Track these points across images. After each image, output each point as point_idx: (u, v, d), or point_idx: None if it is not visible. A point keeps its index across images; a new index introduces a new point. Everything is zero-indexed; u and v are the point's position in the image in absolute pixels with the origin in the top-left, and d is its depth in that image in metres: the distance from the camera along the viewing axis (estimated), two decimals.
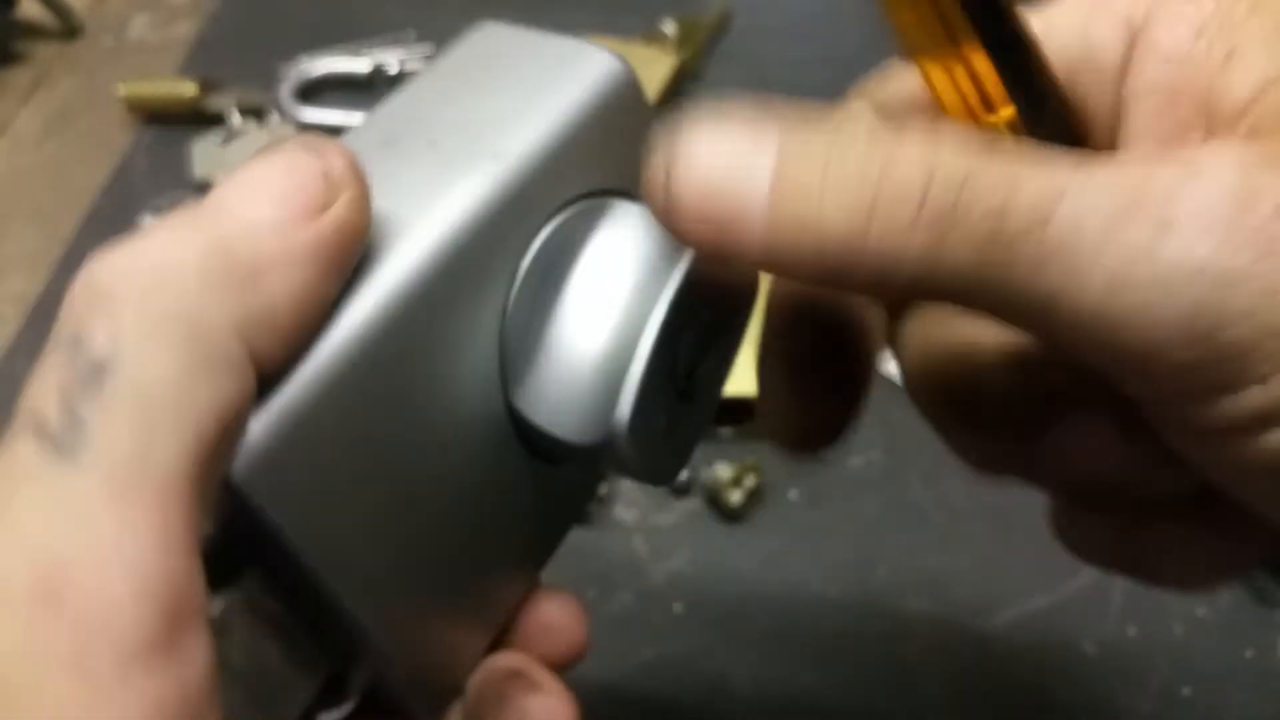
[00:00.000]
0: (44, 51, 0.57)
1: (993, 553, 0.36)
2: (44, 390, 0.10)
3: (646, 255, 0.14)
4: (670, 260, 0.14)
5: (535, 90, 0.16)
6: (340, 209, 0.12)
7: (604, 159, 0.16)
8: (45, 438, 0.10)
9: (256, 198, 0.12)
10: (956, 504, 0.38)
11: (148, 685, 0.10)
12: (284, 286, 0.11)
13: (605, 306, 0.14)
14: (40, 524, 0.10)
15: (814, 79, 0.57)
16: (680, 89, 0.53)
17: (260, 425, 0.12)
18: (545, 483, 0.16)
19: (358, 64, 0.54)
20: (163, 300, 0.11)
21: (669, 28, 0.56)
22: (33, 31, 0.58)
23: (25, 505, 0.10)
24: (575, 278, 0.14)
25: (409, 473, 0.13)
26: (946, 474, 0.38)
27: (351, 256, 0.13)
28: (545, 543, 0.17)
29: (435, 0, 0.60)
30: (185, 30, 0.59)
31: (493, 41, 0.18)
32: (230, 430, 0.11)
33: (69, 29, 0.58)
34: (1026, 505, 0.38)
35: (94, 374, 0.10)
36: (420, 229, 0.13)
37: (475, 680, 0.17)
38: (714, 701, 0.32)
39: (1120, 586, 0.36)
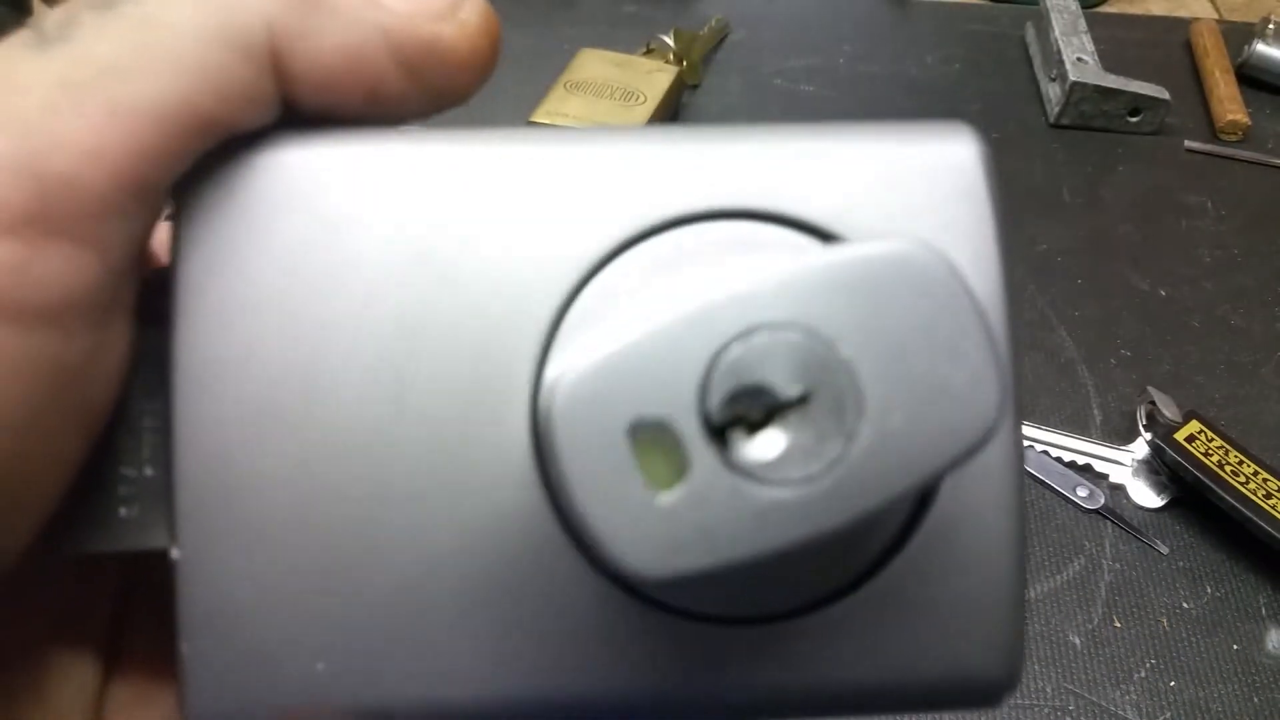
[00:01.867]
0: None
1: None
2: (59, 9, 0.10)
3: None
4: None
5: None
6: (447, 27, 0.11)
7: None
8: (36, 33, 0.10)
9: None
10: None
11: None
12: (341, 34, 0.11)
13: None
14: None
15: (809, 89, 0.58)
16: (680, 98, 0.55)
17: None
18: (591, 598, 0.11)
19: None
20: None
21: (669, 40, 0.57)
22: None
23: None
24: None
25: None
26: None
27: (437, 78, 0.11)
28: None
29: None
30: None
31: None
32: (219, 130, 0.10)
33: None
34: None
35: (112, 2, 0.10)
36: None
37: None
38: None
39: (1106, 580, 0.36)
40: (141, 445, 0.12)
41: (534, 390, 0.11)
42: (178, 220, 0.11)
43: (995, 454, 0.11)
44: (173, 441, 0.11)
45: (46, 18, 0.10)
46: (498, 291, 0.11)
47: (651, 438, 0.09)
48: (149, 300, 0.11)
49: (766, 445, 0.09)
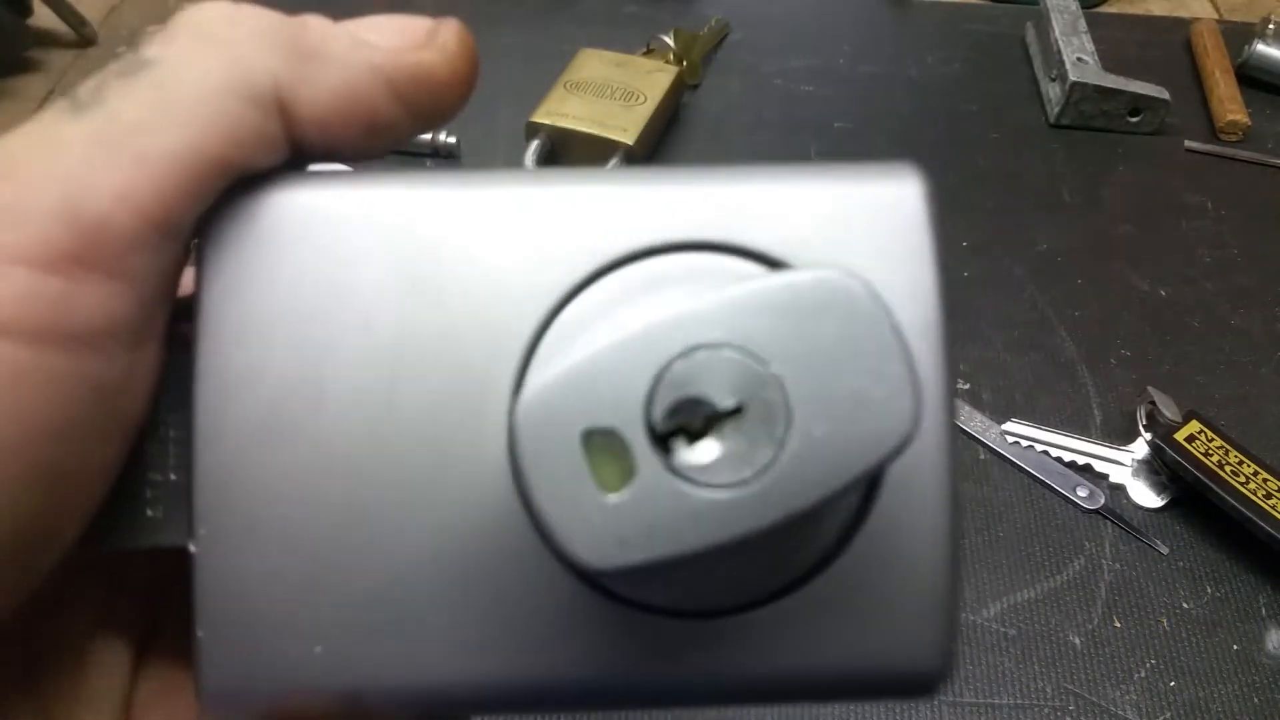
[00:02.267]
0: (58, 60, 0.59)
1: (981, 547, 0.37)
2: (88, 80, 0.12)
3: None
4: None
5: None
6: (428, 54, 0.13)
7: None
8: (72, 100, 0.11)
9: (349, 24, 0.13)
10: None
11: (21, 288, 0.10)
12: (337, 77, 0.12)
13: None
14: (14, 140, 0.11)
15: (808, 89, 0.58)
16: (680, 98, 0.55)
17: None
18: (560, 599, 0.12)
19: None
20: (221, 34, 0.12)
21: (669, 40, 0.57)
22: (47, 40, 0.59)
23: (18, 133, 0.11)
24: None
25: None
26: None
27: (425, 102, 0.13)
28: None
29: (440, 14, 0.61)
30: None
31: None
32: (234, 172, 0.12)
33: (83, 38, 0.59)
34: (1014, 501, 0.39)
35: (135, 68, 0.12)
36: None
37: None
38: None
39: (1106, 580, 0.36)
40: (167, 453, 0.13)
41: (512, 405, 0.12)
42: (200, 255, 0.13)
43: (929, 462, 0.13)
44: (193, 448, 0.12)
45: (81, 87, 0.12)
46: (481, 317, 0.13)
47: (603, 445, 0.10)
48: (174, 326, 0.13)
49: (704, 452, 0.11)
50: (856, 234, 0.13)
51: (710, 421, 0.11)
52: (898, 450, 0.11)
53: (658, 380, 0.11)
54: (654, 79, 0.52)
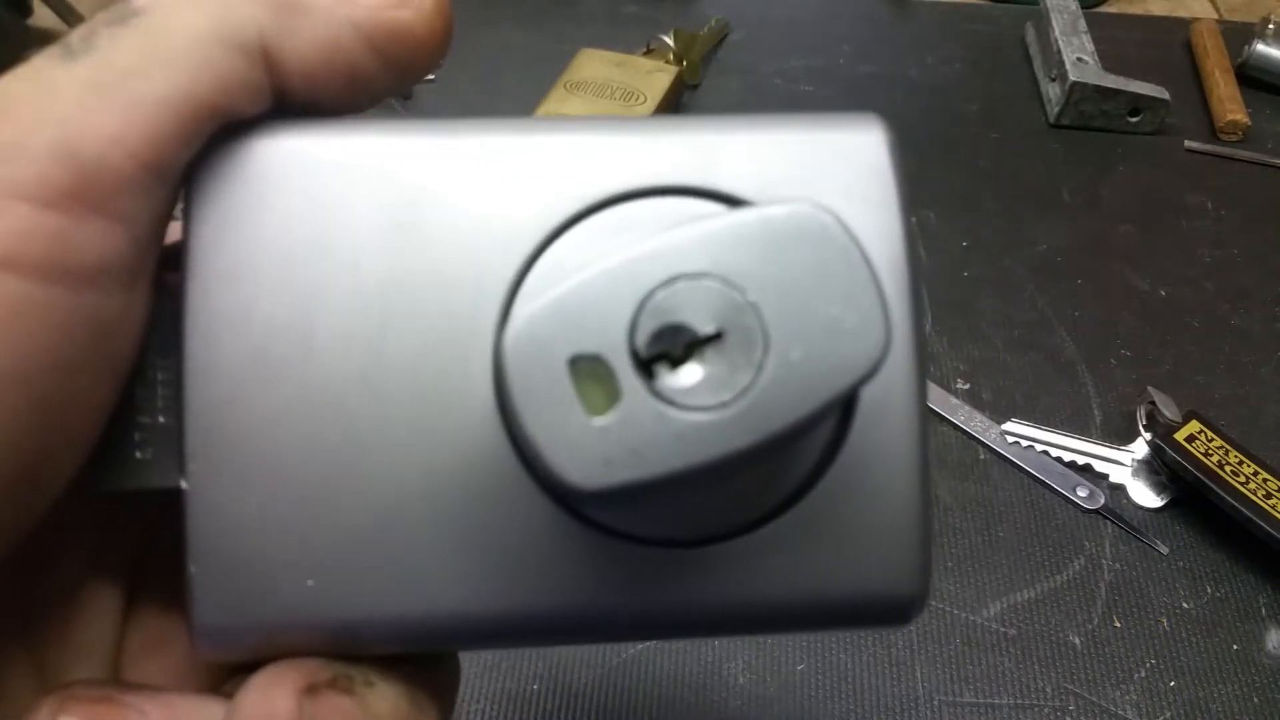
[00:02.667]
0: None
1: (980, 546, 0.37)
2: (81, 27, 0.12)
3: None
4: None
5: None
6: (406, 12, 0.13)
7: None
8: (64, 47, 0.12)
9: None
10: (944, 498, 0.39)
11: (22, 223, 0.11)
12: (320, 30, 0.13)
13: None
14: (9, 82, 0.11)
15: (808, 89, 0.58)
16: (680, 99, 0.55)
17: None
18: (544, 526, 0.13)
19: None
20: None
21: (669, 40, 0.57)
22: (48, 40, 0.59)
23: (11, 76, 0.12)
24: None
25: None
26: (935, 471, 0.39)
27: (402, 56, 0.13)
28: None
29: None
30: None
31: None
32: (222, 117, 0.12)
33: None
34: (1013, 501, 0.39)
35: (125, 16, 0.12)
36: None
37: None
38: (709, 690, 0.33)
39: (1106, 580, 0.36)
40: (156, 396, 0.13)
41: (497, 341, 0.12)
42: (188, 199, 0.13)
43: (899, 392, 0.13)
44: (183, 386, 0.12)
45: (72, 34, 0.12)
46: (467, 257, 0.13)
47: (588, 370, 0.11)
48: (160, 272, 0.13)
49: (686, 376, 0.11)
50: (825, 177, 0.13)
51: (691, 347, 0.11)
52: (870, 373, 0.11)
53: (640, 308, 0.11)
54: (654, 79, 0.52)
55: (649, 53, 0.57)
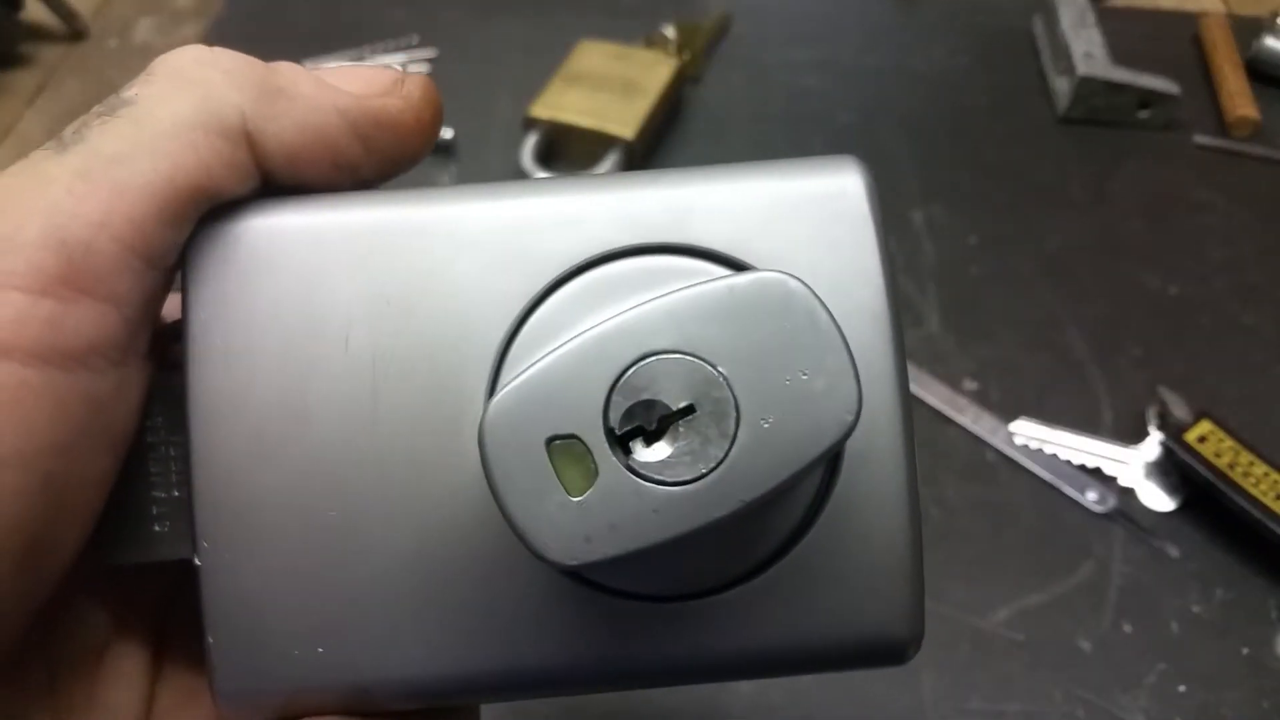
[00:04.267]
0: (49, 54, 0.58)
1: (989, 551, 0.37)
2: (75, 121, 0.13)
3: None
4: None
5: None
6: (393, 101, 0.14)
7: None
8: (57, 141, 0.12)
9: (319, 71, 0.14)
10: (953, 502, 0.38)
11: (16, 311, 0.11)
12: (303, 115, 0.13)
13: None
14: (3, 178, 0.12)
15: (812, 82, 0.57)
16: (681, 92, 0.54)
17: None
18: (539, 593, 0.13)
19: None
20: (194, 75, 0.13)
21: (670, 32, 0.56)
22: (38, 34, 0.58)
23: (6, 172, 0.12)
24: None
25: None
26: (942, 472, 0.39)
27: (387, 145, 0.14)
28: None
29: (438, 4, 0.60)
30: (190, 33, 0.60)
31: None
32: (207, 199, 0.13)
33: (74, 32, 0.59)
34: (1022, 503, 0.39)
35: (115, 107, 0.13)
36: None
37: None
38: (715, 698, 0.32)
39: (1116, 584, 0.36)
40: (169, 471, 0.14)
41: (486, 409, 0.13)
42: (184, 282, 0.13)
43: (886, 440, 0.13)
44: (189, 467, 0.13)
45: (66, 129, 0.13)
46: (453, 328, 0.13)
47: (565, 449, 0.11)
48: (171, 347, 0.14)
49: (660, 450, 0.11)
50: (803, 227, 0.14)
51: (665, 421, 0.11)
52: (843, 437, 0.11)
53: (613, 386, 0.11)
54: (654, 72, 0.52)
55: (650, 45, 0.56)
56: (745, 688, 0.32)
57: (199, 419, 0.13)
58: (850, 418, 0.11)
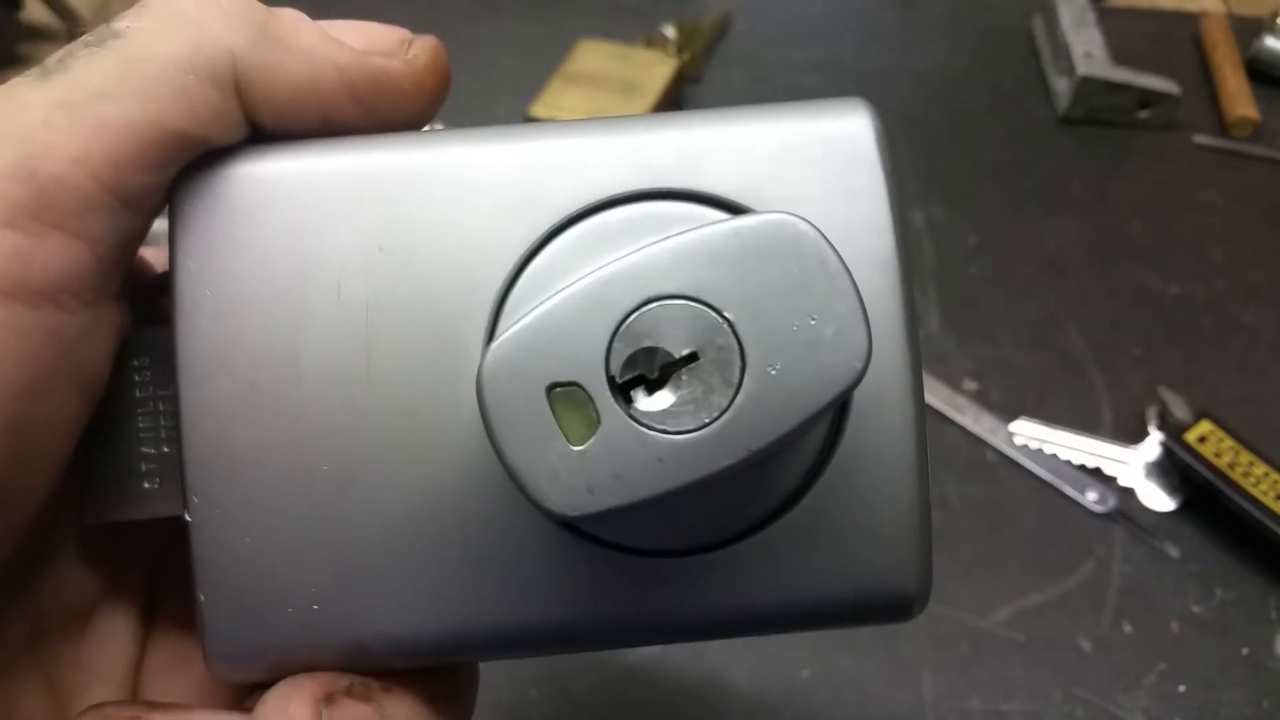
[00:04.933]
0: (48, 54, 0.58)
1: (989, 551, 0.37)
2: (60, 50, 0.12)
3: None
4: None
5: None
6: (395, 63, 0.13)
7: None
8: (40, 67, 0.12)
9: (324, 22, 0.13)
10: (952, 502, 0.38)
11: None
12: (298, 68, 0.12)
13: None
14: None
15: (812, 81, 0.57)
16: (681, 91, 0.54)
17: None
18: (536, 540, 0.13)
19: None
20: (190, 12, 0.12)
21: (669, 31, 0.56)
22: (37, 34, 0.58)
23: None
24: None
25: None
26: (942, 472, 0.39)
27: (383, 108, 0.13)
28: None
29: (437, 3, 0.60)
30: None
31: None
32: (193, 146, 0.12)
33: (73, 31, 0.58)
34: (1022, 504, 0.39)
35: (104, 38, 0.12)
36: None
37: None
38: (712, 697, 0.32)
39: (1116, 584, 0.36)
40: (159, 426, 0.14)
41: (483, 359, 0.12)
42: (171, 232, 0.13)
43: (894, 391, 0.13)
44: (179, 422, 0.13)
45: (51, 55, 0.12)
46: (449, 275, 0.13)
47: (566, 397, 0.11)
48: (157, 299, 0.13)
49: (663, 399, 0.11)
50: (811, 173, 0.13)
51: (668, 369, 0.11)
52: (852, 385, 0.11)
53: (615, 333, 0.11)
54: (654, 71, 0.51)
55: (649, 44, 0.56)
56: (745, 687, 0.32)
57: (188, 371, 0.12)
58: (860, 364, 0.11)
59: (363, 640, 0.13)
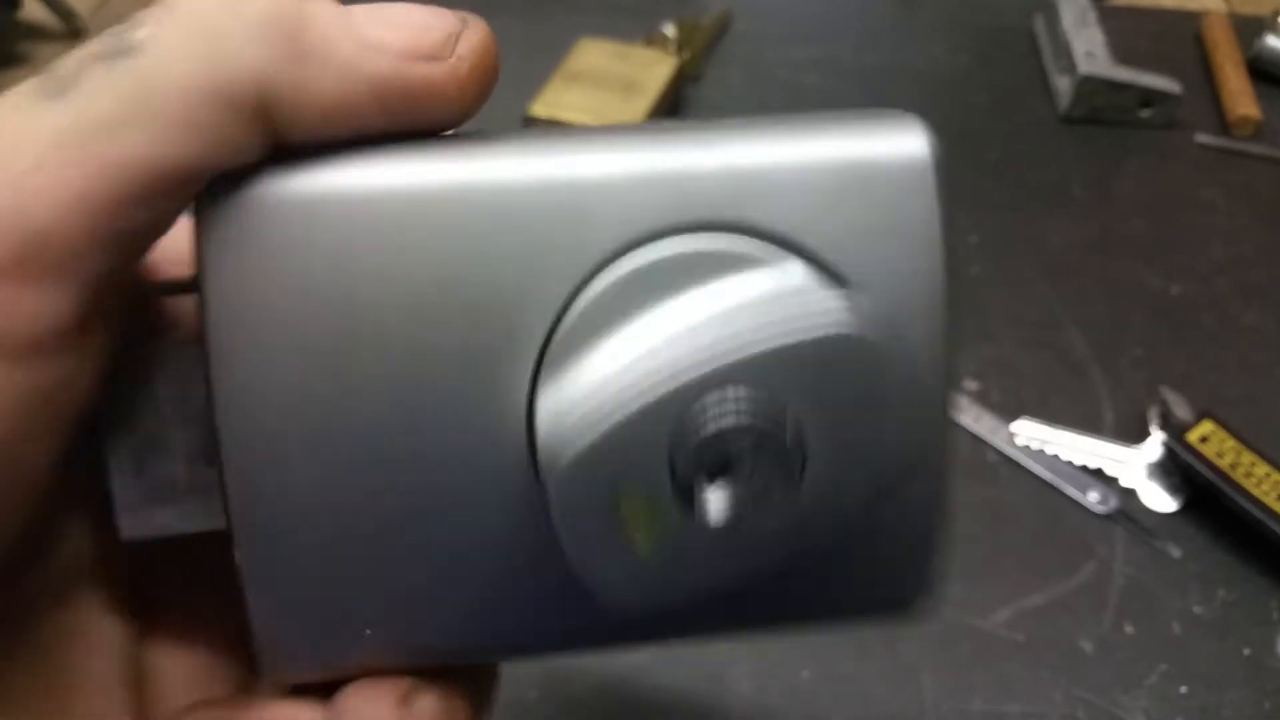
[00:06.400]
0: (47, 53, 0.58)
1: (990, 550, 0.37)
2: (72, 55, 0.11)
3: None
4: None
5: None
6: (438, 71, 0.12)
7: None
8: (45, 81, 0.11)
9: (364, 13, 0.12)
10: (953, 503, 0.38)
11: None
12: (331, 88, 0.11)
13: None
14: None
15: (813, 80, 0.57)
16: (680, 91, 0.54)
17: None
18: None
19: None
20: (216, 23, 0.11)
21: (669, 30, 0.56)
22: (36, 33, 0.58)
23: None
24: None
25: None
26: None
27: (418, 120, 0.12)
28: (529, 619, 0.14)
29: (437, 3, 0.60)
30: None
31: None
32: (202, 178, 0.12)
33: (72, 31, 0.58)
34: (1023, 504, 0.39)
35: (118, 53, 0.11)
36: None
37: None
38: (712, 699, 0.32)
39: (1117, 584, 0.36)
40: (171, 441, 0.14)
41: (530, 400, 0.13)
42: (199, 258, 0.12)
43: (923, 403, 0.13)
44: (220, 464, 0.13)
45: (63, 64, 0.11)
46: (494, 310, 0.13)
47: (631, 500, 0.12)
48: (159, 303, 0.13)
49: (726, 496, 0.12)
50: (863, 212, 0.13)
51: (731, 465, 0.12)
52: (910, 479, 0.12)
53: (681, 438, 0.11)
54: (654, 70, 0.51)
55: (649, 43, 0.56)
56: (745, 687, 0.32)
57: (226, 413, 0.12)
58: (922, 464, 0.12)
59: (418, 660, 0.14)
